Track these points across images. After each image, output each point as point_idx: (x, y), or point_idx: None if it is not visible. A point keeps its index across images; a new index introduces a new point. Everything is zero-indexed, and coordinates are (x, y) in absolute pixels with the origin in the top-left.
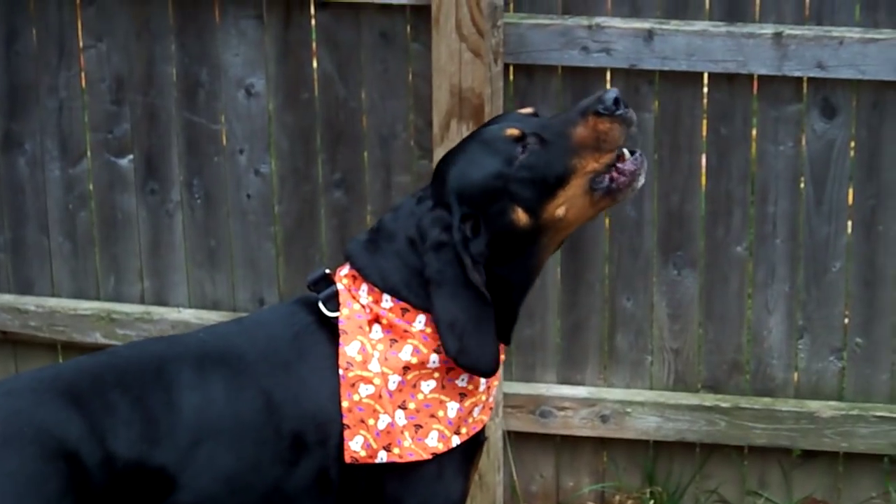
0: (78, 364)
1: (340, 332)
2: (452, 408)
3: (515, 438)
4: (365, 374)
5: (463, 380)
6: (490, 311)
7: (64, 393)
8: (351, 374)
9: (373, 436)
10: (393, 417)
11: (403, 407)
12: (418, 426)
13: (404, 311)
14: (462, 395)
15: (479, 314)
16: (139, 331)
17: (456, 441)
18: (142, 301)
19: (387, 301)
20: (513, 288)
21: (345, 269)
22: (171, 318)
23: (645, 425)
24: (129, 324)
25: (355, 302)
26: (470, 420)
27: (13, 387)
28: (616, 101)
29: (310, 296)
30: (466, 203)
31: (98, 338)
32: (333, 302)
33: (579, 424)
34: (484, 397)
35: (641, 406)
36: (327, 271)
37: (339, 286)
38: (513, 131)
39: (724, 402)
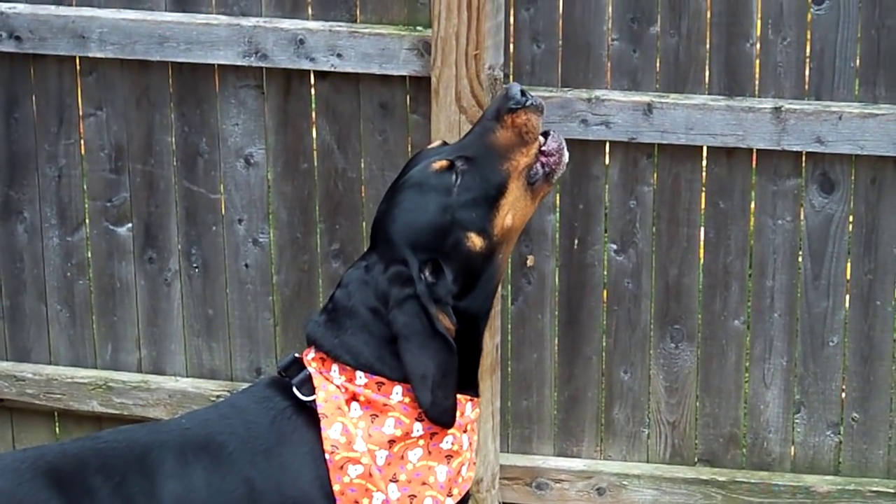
0: (62, 447)
1: (320, 415)
2: (441, 471)
3: None
4: (352, 454)
5: (447, 442)
6: (455, 361)
7: (46, 474)
8: (338, 457)
9: None
10: (386, 493)
11: (395, 480)
12: (412, 496)
13: (380, 384)
14: (448, 458)
15: (446, 364)
16: (136, 399)
17: None
18: (139, 370)
19: (361, 378)
20: (478, 319)
21: (311, 353)
22: (168, 387)
23: (641, 498)
24: (126, 392)
25: (329, 384)
26: (459, 480)
27: None
28: (523, 93)
29: (280, 378)
30: (421, 250)
31: (95, 406)
32: (307, 386)
33: (575, 497)
34: (468, 455)
35: (638, 479)
36: (297, 355)
37: (311, 370)
38: (440, 163)
39: (721, 475)
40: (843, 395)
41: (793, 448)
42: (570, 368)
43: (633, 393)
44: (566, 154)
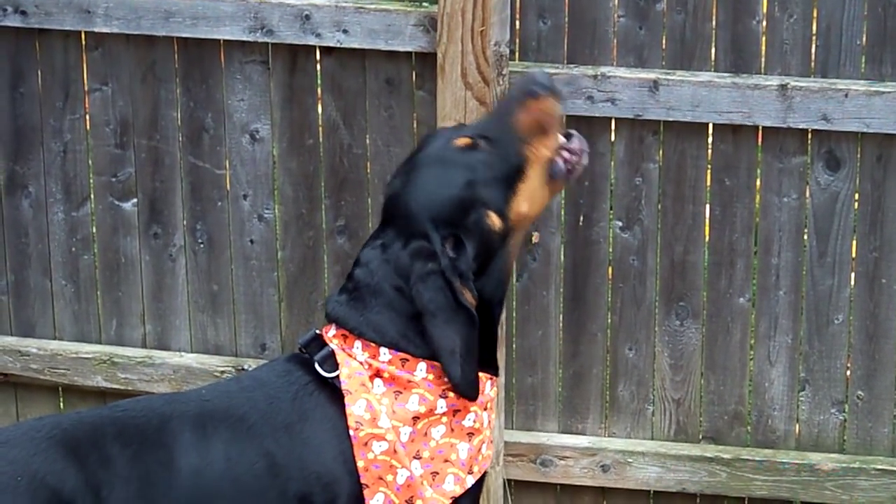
0: (79, 416)
1: (344, 392)
2: (463, 449)
3: (516, 487)
4: (376, 431)
5: (469, 419)
6: (476, 334)
7: (62, 444)
8: (362, 434)
9: (393, 491)
10: (410, 469)
11: (418, 457)
12: (435, 473)
13: (404, 361)
14: (470, 435)
15: (470, 338)
16: (141, 375)
17: (470, 481)
18: (144, 345)
19: (385, 354)
20: (492, 302)
21: (332, 330)
22: (172, 363)
23: (646, 475)
24: (130, 367)
25: (352, 360)
26: (479, 458)
27: (11, 435)
28: (547, 78)
29: (300, 354)
30: (443, 224)
31: (99, 381)
32: (329, 362)
33: (580, 474)
34: (488, 432)
35: (642, 456)
36: (318, 332)
37: (333, 346)
38: (463, 140)
39: (726, 453)
40: (848, 373)
41: (797, 426)
42: (574, 345)
43: (638, 370)
44: (587, 157)
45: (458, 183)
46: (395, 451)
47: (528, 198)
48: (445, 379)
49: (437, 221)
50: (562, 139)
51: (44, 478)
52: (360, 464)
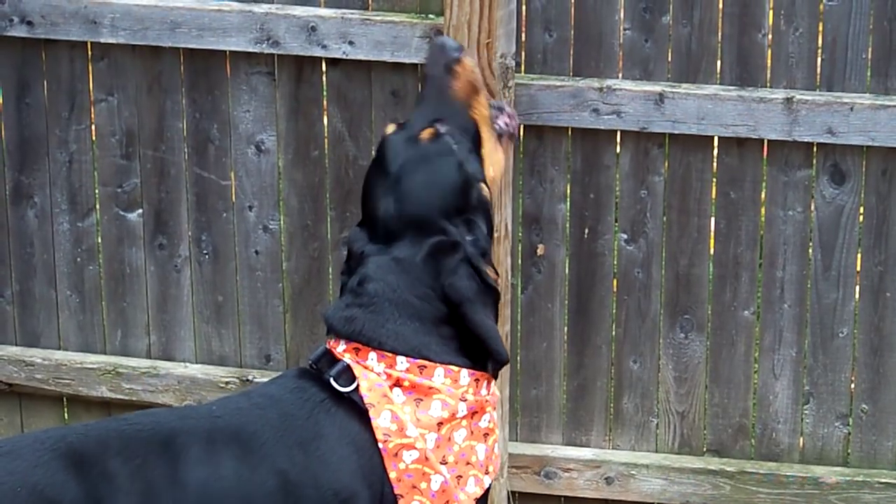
0: (85, 428)
1: (367, 405)
2: (481, 450)
3: (520, 499)
4: (405, 440)
5: (485, 420)
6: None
7: (65, 456)
8: (391, 445)
9: (429, 498)
10: (443, 474)
11: (444, 462)
12: (459, 477)
13: (422, 368)
14: (486, 436)
15: (496, 313)
16: (145, 385)
17: (488, 482)
18: (148, 355)
19: (402, 363)
20: None
21: (341, 345)
22: (177, 373)
23: (649, 488)
24: (135, 378)
25: (370, 372)
26: (493, 457)
27: (15, 446)
28: (453, 40)
29: (308, 370)
30: (455, 213)
31: (104, 392)
32: (345, 377)
33: (584, 486)
34: (497, 431)
35: (646, 469)
36: (328, 347)
37: (347, 360)
38: (427, 132)
39: (730, 465)
40: (853, 386)
41: (802, 439)
42: (579, 358)
43: (643, 382)
44: (517, 118)
45: (452, 169)
46: (426, 459)
47: (492, 160)
48: (462, 383)
49: (448, 213)
50: (495, 109)
51: (43, 490)
52: (392, 475)
